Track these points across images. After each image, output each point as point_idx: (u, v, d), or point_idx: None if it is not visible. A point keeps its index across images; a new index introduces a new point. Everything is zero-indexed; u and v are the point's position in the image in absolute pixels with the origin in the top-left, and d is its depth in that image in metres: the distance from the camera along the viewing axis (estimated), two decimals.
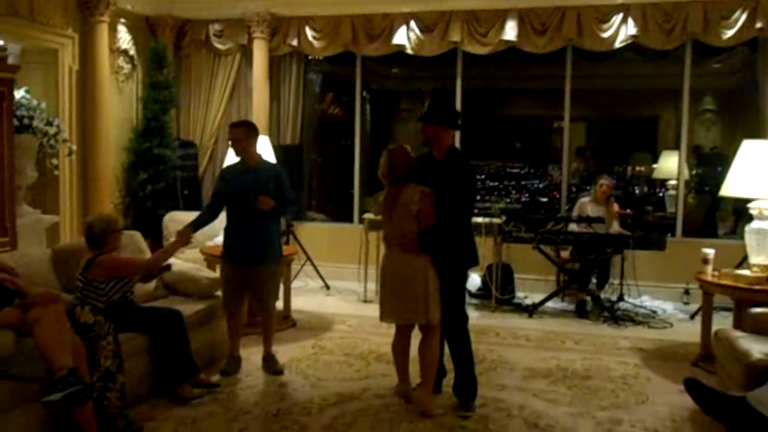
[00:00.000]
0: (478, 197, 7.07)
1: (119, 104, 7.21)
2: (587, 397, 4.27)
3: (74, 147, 6.23)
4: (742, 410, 3.18)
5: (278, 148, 6.84)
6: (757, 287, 4.60)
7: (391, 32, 7.37)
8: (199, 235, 4.58)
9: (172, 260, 4.50)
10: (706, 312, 5.04)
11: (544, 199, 10.75)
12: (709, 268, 4.98)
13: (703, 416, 3.86)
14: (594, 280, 6.59)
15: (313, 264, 7.35)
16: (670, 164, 8.20)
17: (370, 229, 6.67)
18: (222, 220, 4.68)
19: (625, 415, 3.99)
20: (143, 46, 7.51)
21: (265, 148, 6.16)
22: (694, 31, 6.65)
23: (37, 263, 4.22)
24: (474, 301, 6.66)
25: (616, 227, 6.62)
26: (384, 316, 4.05)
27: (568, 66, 7.31)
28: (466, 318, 4.07)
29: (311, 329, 5.74)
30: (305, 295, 6.91)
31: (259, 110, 7.57)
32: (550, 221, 6.69)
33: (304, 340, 5.38)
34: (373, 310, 6.29)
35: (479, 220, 6.21)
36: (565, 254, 6.69)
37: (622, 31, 6.83)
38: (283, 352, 4.95)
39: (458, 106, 7.42)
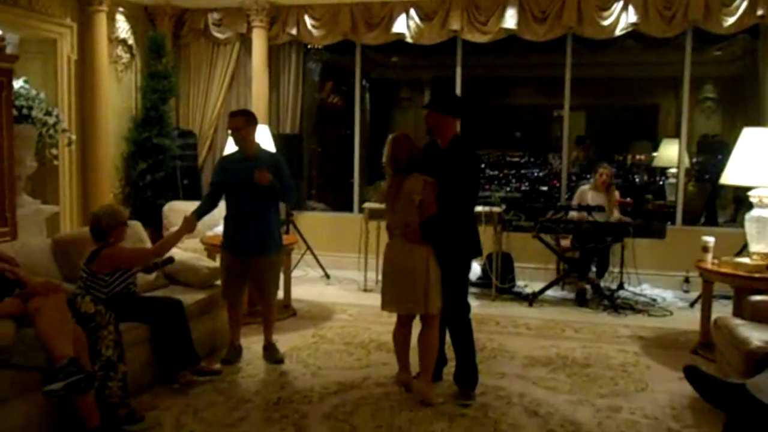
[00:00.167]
0: None
1: (118, 94, 7.20)
2: (587, 385, 4.29)
3: (74, 137, 6.22)
4: (741, 397, 3.18)
5: (278, 138, 6.84)
6: (756, 275, 4.61)
7: (391, 21, 7.34)
8: (199, 224, 4.58)
9: (173, 250, 4.50)
10: (706, 300, 5.05)
11: (544, 188, 10.74)
12: (709, 256, 4.99)
13: (703, 404, 3.87)
14: (593, 269, 6.60)
15: (313, 253, 7.36)
16: (670, 152, 8.19)
17: (370, 218, 6.68)
18: (222, 209, 4.68)
19: (625, 402, 4.01)
20: (142, 35, 7.48)
21: (264, 138, 6.16)
22: (695, 18, 6.63)
23: (38, 253, 4.22)
24: (474, 289, 6.66)
25: (616, 215, 6.62)
26: (385, 305, 4.06)
27: (569, 54, 7.29)
28: (468, 308, 4.07)
29: (311, 318, 5.75)
30: (305, 285, 6.92)
31: (258, 99, 7.56)
32: (549, 210, 6.69)
33: (304, 329, 5.40)
34: (374, 299, 6.33)
35: (479, 209, 6.21)
36: (565, 243, 6.69)
37: (622, 18, 6.80)
38: (284, 341, 4.96)
39: (458, 94, 7.39)
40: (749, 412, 3.06)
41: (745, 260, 4.83)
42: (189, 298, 4.50)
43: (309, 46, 8.22)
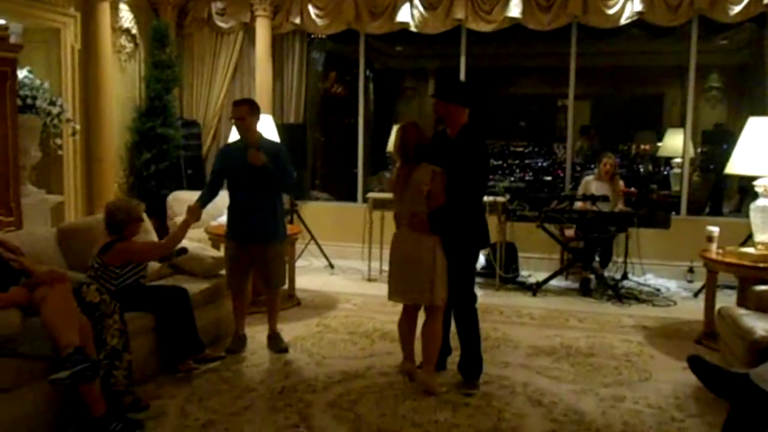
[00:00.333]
0: None
1: (122, 83, 7.19)
2: (591, 375, 4.30)
3: (78, 127, 6.22)
4: (745, 387, 3.18)
5: (281, 127, 6.83)
6: (761, 265, 4.60)
7: (395, 10, 7.31)
8: (203, 214, 4.59)
9: (183, 241, 4.50)
10: (710, 290, 5.04)
11: (548, 178, 10.72)
12: (714, 246, 4.98)
13: (706, 393, 3.86)
14: (597, 259, 6.60)
15: (317, 243, 7.36)
16: (675, 142, 8.16)
17: (374, 208, 6.68)
18: (226, 199, 4.69)
19: (629, 392, 4.02)
20: (145, 24, 7.46)
21: (268, 128, 6.16)
22: (701, 7, 6.58)
23: (43, 242, 4.23)
24: (478, 279, 6.65)
25: (621, 206, 6.60)
26: (392, 295, 4.06)
27: (573, 43, 7.26)
28: (474, 298, 4.07)
29: (316, 308, 5.76)
30: (309, 274, 6.93)
31: (262, 89, 7.55)
32: (554, 200, 6.68)
33: (308, 319, 5.41)
34: (378, 288, 6.37)
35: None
36: (569, 233, 6.68)
37: (627, 7, 6.76)
38: (288, 331, 4.97)
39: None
40: (753, 402, 3.06)
41: (750, 250, 4.82)
42: (194, 287, 4.51)
43: (312, 36, 8.20)
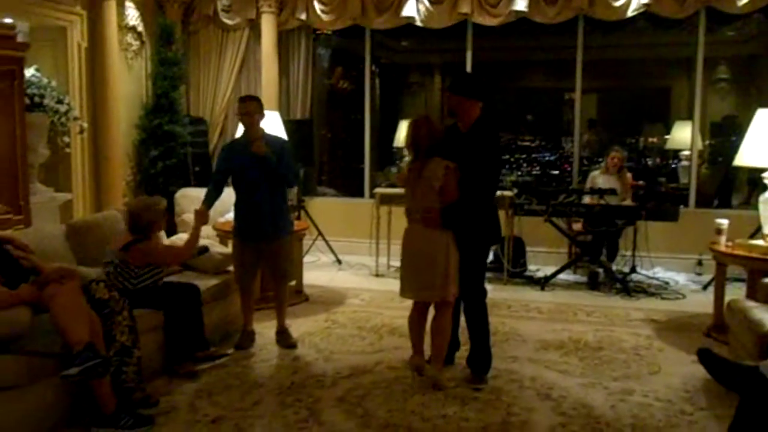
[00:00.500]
0: None
1: (129, 81, 7.20)
2: (599, 368, 4.29)
3: (85, 125, 6.24)
4: (755, 380, 3.17)
5: (288, 123, 6.83)
6: None
7: (400, 4, 7.29)
8: (210, 211, 4.61)
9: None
10: (719, 282, 5.03)
11: (555, 172, 10.69)
12: (723, 239, 4.96)
13: (716, 386, 3.85)
14: (604, 252, 6.57)
15: (324, 239, 7.37)
16: (683, 135, 8.12)
17: (381, 203, 6.68)
18: (232, 195, 4.71)
19: (638, 385, 4.01)
20: (151, 22, 7.47)
21: (275, 124, 6.16)
22: None
23: (51, 239, 4.25)
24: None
25: (629, 200, 6.57)
26: (404, 293, 4.02)
27: (580, 36, 7.23)
28: (485, 293, 4.06)
29: (324, 303, 5.77)
30: (317, 270, 6.94)
31: (268, 85, 7.55)
32: (561, 194, 6.67)
33: (316, 315, 5.42)
34: (385, 284, 6.39)
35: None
36: (577, 226, 6.67)
37: None
38: (296, 326, 4.99)
39: None
40: (763, 394, 3.05)
41: (759, 242, 4.80)
42: (202, 284, 4.53)
43: (318, 31, 8.19)
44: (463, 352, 4.28)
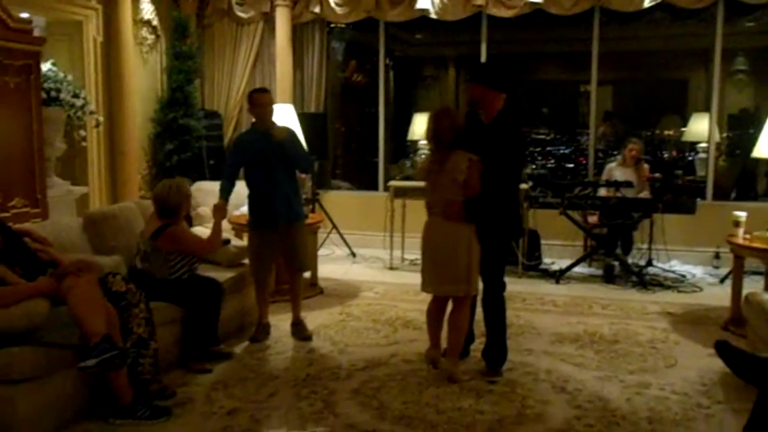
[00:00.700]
0: None
1: (144, 75, 7.23)
2: (615, 361, 4.27)
3: (101, 119, 6.28)
4: None
5: (302, 116, 6.83)
6: None
7: None
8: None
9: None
10: (737, 275, 4.98)
11: (570, 165, 10.63)
12: (741, 231, 4.91)
13: (734, 379, 3.82)
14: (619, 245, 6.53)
15: (339, 232, 7.38)
16: (700, 127, 8.04)
17: (395, 196, 6.68)
18: (245, 188, 4.74)
19: (654, 378, 3.99)
20: (166, 16, 7.49)
21: (289, 117, 6.17)
22: None
23: (68, 231, 4.27)
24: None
25: (646, 194, 6.52)
26: (425, 287, 3.99)
27: (596, 27, 7.16)
28: (504, 286, 4.03)
29: (338, 296, 5.78)
30: (332, 263, 6.95)
31: (282, 78, 7.56)
32: (577, 186, 6.63)
33: (331, 307, 5.43)
34: (400, 277, 6.39)
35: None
36: (592, 219, 6.63)
37: None
38: (311, 319, 5.00)
39: None
40: None
41: None
42: (219, 277, 4.54)
43: (332, 25, 8.18)
44: (477, 344, 4.28)
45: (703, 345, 4.46)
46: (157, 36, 7.43)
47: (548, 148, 11.07)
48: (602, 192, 6.46)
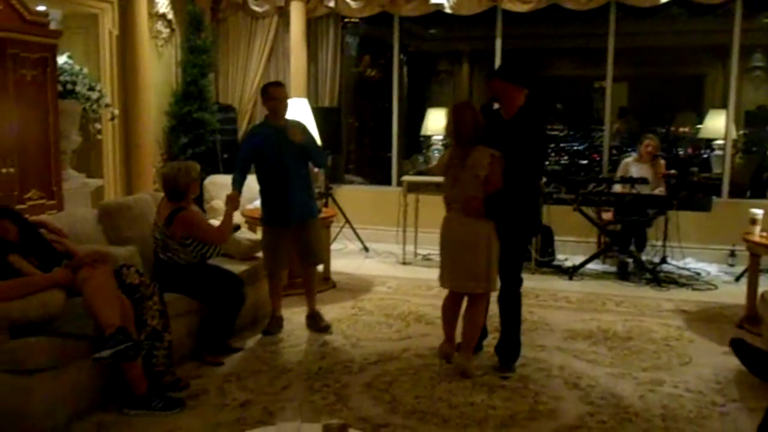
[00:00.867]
0: None
1: (159, 69, 7.25)
2: (628, 358, 4.25)
3: (116, 112, 6.30)
4: None
5: (316, 111, 6.83)
6: None
7: None
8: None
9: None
10: (753, 273, 4.94)
11: (584, 162, 10.58)
12: (757, 229, 4.87)
13: (749, 378, 3.82)
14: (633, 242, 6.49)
15: (351, 227, 7.39)
16: (716, 124, 7.97)
17: (408, 191, 6.67)
18: (256, 182, 4.75)
19: (668, 376, 3.96)
20: (181, 10, 7.50)
21: (303, 111, 6.17)
22: None
23: (84, 223, 4.30)
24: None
25: (661, 191, 6.47)
26: (444, 283, 3.98)
27: (612, 23, 7.11)
28: (520, 282, 4.01)
29: (351, 291, 5.78)
30: (344, 258, 6.96)
31: (297, 73, 7.56)
32: (591, 182, 6.59)
33: (344, 302, 5.44)
34: (412, 272, 6.39)
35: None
36: (607, 216, 6.59)
37: None
38: (324, 313, 4.98)
39: (497, 67, 7.29)
40: None
41: None
42: (233, 270, 4.55)
43: (346, 19, 8.17)
44: (491, 340, 4.27)
45: (718, 343, 4.44)
46: (172, 30, 7.44)
47: (562, 145, 11.02)
48: (617, 188, 6.42)
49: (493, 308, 4.16)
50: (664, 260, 6.44)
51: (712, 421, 3.42)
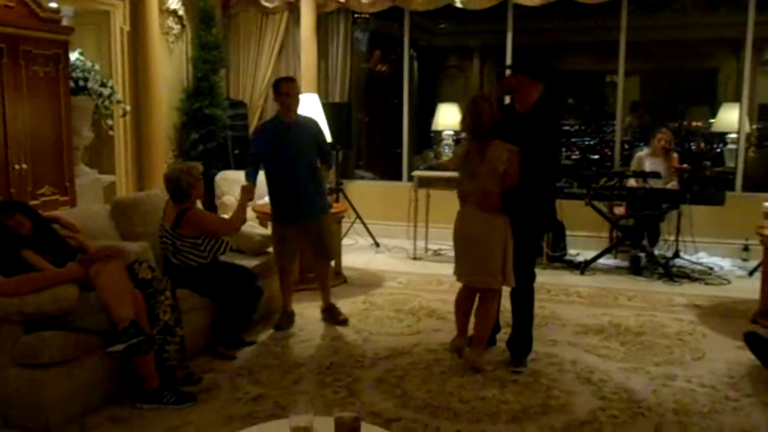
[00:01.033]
0: None
1: (170, 65, 7.27)
2: (641, 353, 4.23)
3: (128, 108, 6.33)
4: None
5: (327, 106, 6.84)
6: None
7: None
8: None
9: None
10: (767, 268, 4.90)
11: (595, 157, 10.52)
12: None
13: (762, 371, 3.80)
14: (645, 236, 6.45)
15: (362, 222, 7.38)
16: (729, 118, 7.91)
17: (419, 186, 6.66)
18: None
19: (680, 370, 3.94)
20: (192, 6, 7.52)
21: (314, 106, 6.18)
22: None
23: (96, 218, 4.32)
24: None
25: (674, 185, 6.43)
26: (460, 278, 3.97)
27: (624, 16, 7.06)
28: (534, 277, 4.00)
29: (362, 286, 5.79)
30: (355, 253, 6.96)
31: (307, 68, 7.56)
32: (602, 177, 6.55)
33: (355, 296, 5.44)
34: (423, 267, 6.38)
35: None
36: (619, 210, 6.55)
37: None
38: None
39: (508, 61, 7.27)
40: None
41: None
42: (244, 265, 4.57)
43: (357, 14, 8.16)
44: (502, 334, 4.26)
45: (731, 337, 4.41)
46: (183, 26, 7.46)
47: (573, 139, 10.96)
48: (630, 182, 6.38)
49: (506, 303, 4.14)
50: (676, 255, 6.40)
51: (726, 416, 3.40)
